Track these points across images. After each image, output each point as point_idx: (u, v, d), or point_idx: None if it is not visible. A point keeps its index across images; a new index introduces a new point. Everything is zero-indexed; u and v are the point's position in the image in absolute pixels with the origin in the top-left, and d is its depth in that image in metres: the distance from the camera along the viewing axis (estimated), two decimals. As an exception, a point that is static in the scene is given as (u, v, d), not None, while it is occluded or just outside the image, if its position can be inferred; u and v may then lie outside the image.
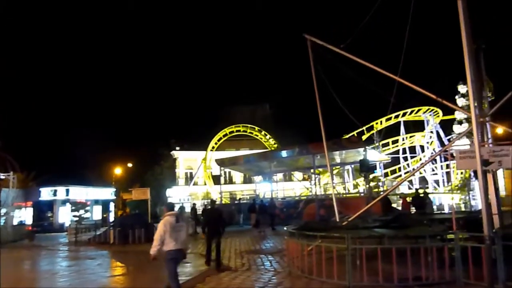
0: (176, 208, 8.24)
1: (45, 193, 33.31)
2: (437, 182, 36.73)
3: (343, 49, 10.95)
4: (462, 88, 31.22)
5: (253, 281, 8.53)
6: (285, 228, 9.63)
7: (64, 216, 32.69)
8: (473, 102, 6.86)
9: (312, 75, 12.67)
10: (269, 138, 46.66)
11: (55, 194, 33.16)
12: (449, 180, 35.70)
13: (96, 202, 37.01)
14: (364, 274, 7.14)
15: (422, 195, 16.33)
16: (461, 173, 32.87)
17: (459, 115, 32.46)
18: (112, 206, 40.03)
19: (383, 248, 7.57)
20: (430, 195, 18.58)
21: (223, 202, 31.83)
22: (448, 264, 7.26)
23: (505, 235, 6.74)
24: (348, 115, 14.73)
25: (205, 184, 45.59)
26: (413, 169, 37.68)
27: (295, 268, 8.79)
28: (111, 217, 36.26)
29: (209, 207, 11.96)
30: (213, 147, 45.24)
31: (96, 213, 36.12)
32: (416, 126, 38.99)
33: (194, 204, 25.16)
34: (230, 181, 49.52)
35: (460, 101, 31.35)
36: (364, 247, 7.53)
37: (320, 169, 32.81)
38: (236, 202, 32.21)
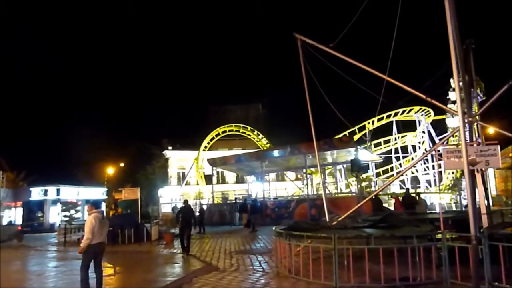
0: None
1: (36, 193, 32.92)
2: (428, 182, 36.94)
3: (333, 48, 10.89)
4: (453, 87, 31.47)
5: (240, 281, 8.44)
6: (274, 228, 9.54)
7: (55, 216, 32.33)
8: (460, 102, 6.84)
9: (303, 75, 12.61)
10: (262, 137, 46.58)
11: (45, 193, 32.77)
12: (440, 179, 35.90)
13: (87, 202, 36.46)
14: (351, 274, 7.09)
15: (413, 194, 16.35)
16: (452, 172, 33.09)
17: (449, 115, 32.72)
18: (103, 206, 39.71)
19: (371, 248, 7.52)
20: (422, 195, 18.61)
21: (215, 201, 31.68)
22: (435, 264, 7.23)
23: (492, 235, 6.71)
24: (338, 115, 14.70)
25: (198, 184, 45.42)
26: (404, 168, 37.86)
27: (283, 268, 8.71)
28: (102, 217, 35.92)
29: (184, 205, 14.53)
30: (205, 147, 45.06)
31: (87, 213, 35.78)
32: (408, 126, 39.19)
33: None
34: (222, 181, 49.42)
35: (452, 101, 31.63)
36: (351, 247, 7.47)
37: (313, 169, 32.82)
38: (228, 202, 32.11)
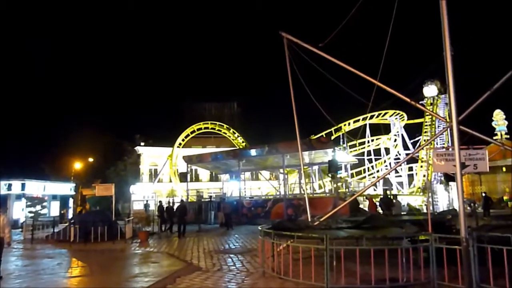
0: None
1: (-2, 187, 31.26)
2: (400, 184, 37.85)
3: (321, 48, 10.83)
4: (426, 90, 32.53)
5: (226, 282, 8.26)
6: (259, 228, 9.37)
7: (19, 212, 30.84)
8: (454, 107, 6.92)
9: (288, 74, 12.51)
10: (238, 136, 46.35)
11: (9, 188, 31.10)
12: (411, 182, 36.84)
13: (54, 197, 35.22)
14: (342, 275, 7.05)
15: (390, 196, 16.64)
16: (424, 176, 34.02)
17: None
18: (71, 202, 38.31)
19: (357, 249, 7.50)
20: (398, 197, 19.00)
21: (189, 200, 31.22)
22: (422, 265, 7.30)
23: (479, 237, 6.84)
24: (319, 116, 14.75)
25: (170, 181, 44.65)
26: (378, 170, 38.63)
27: (269, 269, 8.58)
28: (70, 214, 34.73)
29: (169, 205, 18.41)
30: (180, 144, 44.37)
31: (54, 209, 34.40)
32: (381, 129, 40.02)
33: (161, 202, 24.56)
34: (196, 178, 48.80)
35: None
36: (342, 248, 7.43)
37: (288, 169, 32.91)
38: (203, 200, 31.72)
